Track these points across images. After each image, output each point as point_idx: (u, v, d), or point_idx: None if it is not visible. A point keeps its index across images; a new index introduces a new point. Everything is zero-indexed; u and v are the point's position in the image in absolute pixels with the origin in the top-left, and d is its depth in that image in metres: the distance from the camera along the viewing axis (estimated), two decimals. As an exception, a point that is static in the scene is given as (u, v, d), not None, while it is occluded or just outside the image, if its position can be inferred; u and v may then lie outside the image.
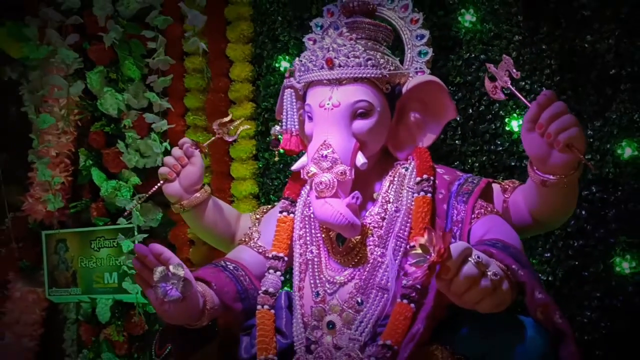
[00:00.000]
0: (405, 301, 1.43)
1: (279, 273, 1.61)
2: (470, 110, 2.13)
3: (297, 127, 1.64)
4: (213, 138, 1.81)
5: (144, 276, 1.34)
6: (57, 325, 2.90)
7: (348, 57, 1.53)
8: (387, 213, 1.55)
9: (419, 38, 1.71)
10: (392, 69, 1.58)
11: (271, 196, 2.45)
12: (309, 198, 1.62)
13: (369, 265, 1.51)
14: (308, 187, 1.64)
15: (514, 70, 1.41)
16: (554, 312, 1.25)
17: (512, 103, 2.05)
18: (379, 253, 1.52)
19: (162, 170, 1.74)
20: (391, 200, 1.56)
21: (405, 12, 1.73)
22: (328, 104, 1.54)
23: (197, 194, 1.74)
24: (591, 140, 1.94)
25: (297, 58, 1.64)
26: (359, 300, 1.49)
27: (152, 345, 1.59)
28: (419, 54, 1.70)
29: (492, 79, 1.45)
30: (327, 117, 1.53)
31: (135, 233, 2.47)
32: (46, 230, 2.80)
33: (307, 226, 1.63)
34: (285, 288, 1.67)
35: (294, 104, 1.63)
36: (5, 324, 2.85)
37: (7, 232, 2.90)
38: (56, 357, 2.87)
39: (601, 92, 1.97)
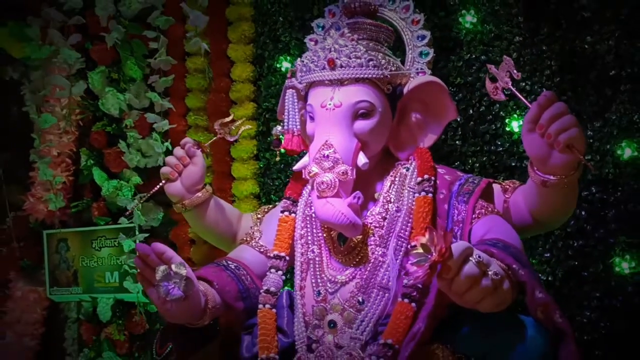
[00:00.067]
0: (406, 300, 1.44)
1: (280, 272, 1.62)
2: (471, 111, 2.14)
3: (298, 127, 1.64)
4: (215, 138, 1.81)
5: (146, 275, 1.34)
6: (58, 325, 2.90)
7: (350, 58, 1.54)
8: (388, 213, 1.55)
9: (420, 39, 1.72)
10: (393, 69, 1.59)
11: (272, 196, 2.46)
12: (310, 198, 1.63)
13: (370, 265, 1.52)
14: (309, 186, 1.65)
15: (515, 71, 1.42)
16: (554, 311, 1.26)
17: (512, 104, 2.06)
18: (380, 252, 1.52)
19: (164, 169, 1.74)
20: (392, 200, 1.57)
21: (406, 13, 1.74)
22: (330, 104, 1.54)
23: (199, 194, 1.75)
24: (591, 140, 1.95)
25: (298, 58, 1.65)
26: (360, 300, 1.49)
27: (153, 344, 1.59)
28: (420, 54, 1.71)
29: (493, 79, 1.46)
30: (328, 117, 1.54)
31: (137, 232, 2.48)
32: (47, 230, 2.81)
33: (308, 226, 1.63)
34: (286, 287, 1.67)
35: (296, 104, 1.64)
36: (7, 323, 2.85)
37: (8, 232, 2.91)
38: (57, 356, 2.87)
39: (601, 93, 1.97)
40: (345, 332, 1.48)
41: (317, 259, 1.59)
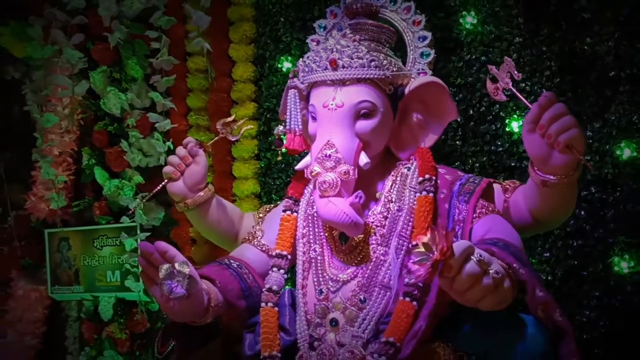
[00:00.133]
0: (407, 299, 1.45)
1: (282, 271, 1.63)
2: (471, 111, 2.14)
3: (300, 127, 1.65)
4: (216, 137, 1.82)
5: (149, 274, 1.35)
6: (59, 323, 2.90)
7: (352, 58, 1.55)
8: (390, 212, 1.56)
9: (421, 39, 1.73)
10: (394, 70, 1.60)
11: (273, 195, 2.47)
12: (312, 197, 1.64)
13: (371, 264, 1.53)
14: (311, 186, 1.66)
15: (516, 72, 1.43)
16: (554, 310, 1.27)
17: (512, 104, 2.07)
18: (381, 251, 1.53)
19: (167, 169, 1.75)
20: (393, 199, 1.58)
21: (407, 14, 1.75)
22: (332, 105, 1.55)
23: (201, 193, 1.76)
24: (590, 141, 1.96)
25: (300, 59, 1.66)
26: (362, 298, 1.50)
27: (154, 342, 1.60)
28: (421, 55, 1.72)
29: (494, 80, 1.47)
30: (330, 117, 1.55)
31: (138, 232, 2.48)
32: (49, 229, 2.81)
33: (310, 225, 1.64)
34: (288, 286, 1.68)
35: (298, 104, 1.64)
36: (8, 321, 2.85)
37: (9, 231, 2.91)
38: (58, 354, 2.87)
39: (600, 93, 1.98)
40: (347, 331, 1.49)
41: (319, 257, 1.60)
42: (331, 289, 1.55)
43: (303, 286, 1.59)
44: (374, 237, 1.55)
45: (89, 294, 2.69)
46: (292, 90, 1.64)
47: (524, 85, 2.03)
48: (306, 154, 1.67)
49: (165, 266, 1.32)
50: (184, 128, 2.60)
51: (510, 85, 1.44)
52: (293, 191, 1.72)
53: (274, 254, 1.65)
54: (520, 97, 1.42)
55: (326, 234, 1.61)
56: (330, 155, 1.51)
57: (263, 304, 1.58)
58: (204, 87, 2.59)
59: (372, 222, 1.56)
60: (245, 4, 2.54)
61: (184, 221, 2.54)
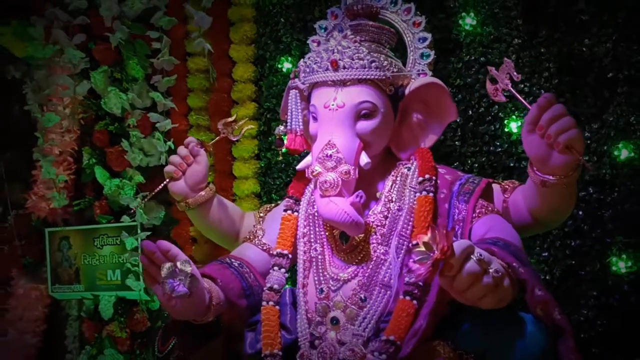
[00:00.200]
0: (407, 298, 1.46)
1: (283, 270, 1.64)
2: (470, 112, 2.16)
3: (301, 127, 1.66)
4: (218, 137, 1.83)
5: (151, 272, 1.36)
6: (59, 322, 2.91)
7: (352, 59, 1.56)
8: (390, 212, 1.57)
9: (421, 41, 1.74)
10: (395, 71, 1.61)
11: (273, 195, 2.48)
12: (313, 197, 1.65)
13: (372, 263, 1.54)
14: (312, 185, 1.67)
15: (515, 73, 1.43)
16: (553, 308, 1.29)
17: (511, 105, 2.08)
18: (381, 251, 1.54)
19: (168, 168, 1.76)
20: (394, 199, 1.59)
21: (407, 15, 1.76)
22: (333, 105, 1.56)
23: (203, 192, 1.77)
24: (588, 142, 1.97)
25: (302, 59, 1.67)
26: (363, 297, 1.52)
27: (154, 341, 1.61)
28: (421, 56, 1.74)
29: (493, 81, 1.48)
30: (331, 118, 1.56)
31: (139, 231, 2.49)
32: (49, 228, 2.82)
33: (311, 224, 1.65)
34: (288, 285, 1.69)
35: (299, 104, 1.65)
36: (8, 320, 2.86)
37: (10, 230, 2.92)
38: (58, 353, 2.88)
39: (599, 95, 2.00)
40: (348, 329, 1.50)
41: (319, 257, 1.61)
42: (332, 287, 1.56)
43: (304, 285, 1.60)
44: (374, 237, 1.56)
45: (89, 292, 2.70)
46: (293, 90, 1.65)
47: (522, 86, 2.04)
48: (307, 154, 1.68)
49: (168, 265, 1.33)
50: (185, 128, 2.61)
51: (510, 86, 1.45)
52: (294, 191, 1.73)
53: (275, 253, 1.66)
54: (520, 98, 1.42)
55: (327, 234, 1.63)
56: (331, 155, 1.52)
57: (264, 303, 1.59)
58: (204, 87, 2.60)
59: (373, 222, 1.57)
60: (246, 5, 2.55)
61: (184, 220, 2.55)
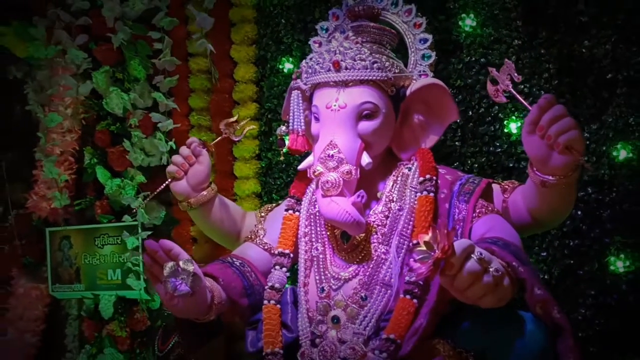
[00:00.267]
0: (408, 297, 1.47)
1: (284, 269, 1.65)
2: (470, 113, 2.16)
3: (303, 127, 1.67)
4: (219, 137, 1.84)
5: (154, 271, 1.37)
6: (59, 321, 2.91)
7: (354, 60, 1.57)
8: (391, 212, 1.59)
9: (422, 42, 1.75)
10: (396, 71, 1.62)
11: (273, 195, 2.49)
12: (314, 196, 1.66)
13: (372, 262, 1.55)
14: (314, 185, 1.67)
15: (515, 74, 1.44)
16: (552, 307, 1.30)
17: (511, 106, 2.09)
18: (382, 250, 1.55)
19: (171, 168, 1.77)
20: (395, 199, 1.60)
21: (408, 17, 1.77)
22: (335, 105, 1.57)
23: (204, 192, 1.78)
24: (587, 142, 1.98)
25: (304, 60, 1.68)
26: (363, 296, 1.53)
27: (154, 340, 1.62)
28: (423, 57, 1.75)
29: (494, 82, 1.49)
30: (333, 118, 1.57)
31: (139, 230, 2.49)
32: (50, 227, 2.82)
33: (312, 224, 1.67)
34: (289, 284, 1.70)
35: (301, 105, 1.66)
36: (9, 319, 2.85)
37: (10, 229, 2.92)
38: (58, 352, 2.88)
39: (598, 96, 2.01)
40: (349, 328, 1.51)
41: (320, 256, 1.62)
42: (333, 286, 1.57)
43: (305, 284, 1.62)
44: (375, 236, 1.57)
45: (89, 292, 2.70)
46: (295, 91, 1.66)
47: (522, 87, 2.04)
48: (308, 154, 1.69)
49: (170, 264, 1.34)
50: (186, 128, 2.62)
51: (510, 87, 1.46)
52: (295, 190, 1.74)
53: (276, 252, 1.67)
54: (520, 99, 1.43)
55: (328, 233, 1.64)
56: (332, 156, 1.53)
57: (265, 302, 1.60)
58: (206, 87, 2.61)
59: (374, 221, 1.58)
60: (247, 6, 2.56)
61: (185, 220, 2.56)
